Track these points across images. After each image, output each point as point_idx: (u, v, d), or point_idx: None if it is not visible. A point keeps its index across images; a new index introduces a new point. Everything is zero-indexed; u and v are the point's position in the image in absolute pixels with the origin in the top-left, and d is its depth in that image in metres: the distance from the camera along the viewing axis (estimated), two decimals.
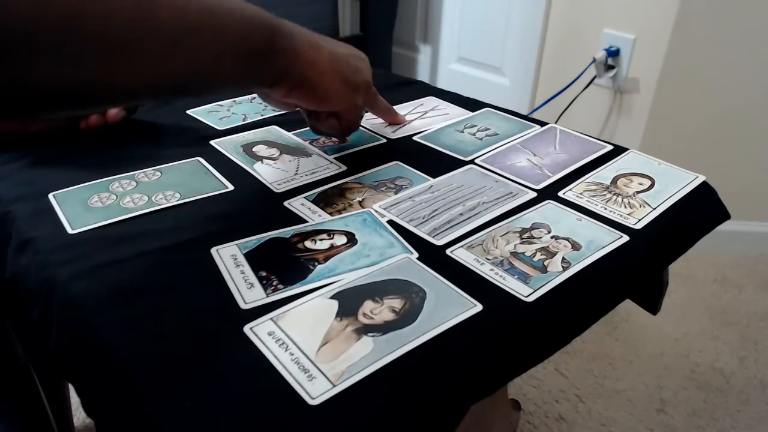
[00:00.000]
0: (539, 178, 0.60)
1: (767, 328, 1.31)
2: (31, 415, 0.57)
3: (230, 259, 0.47)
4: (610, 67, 1.41)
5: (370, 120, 0.75)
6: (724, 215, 0.59)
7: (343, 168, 0.62)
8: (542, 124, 0.72)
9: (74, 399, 0.90)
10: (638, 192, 0.58)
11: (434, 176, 0.60)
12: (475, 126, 0.73)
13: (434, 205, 0.55)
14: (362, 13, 1.77)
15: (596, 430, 1.06)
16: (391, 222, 0.53)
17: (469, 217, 0.53)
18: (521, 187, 0.59)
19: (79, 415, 1.01)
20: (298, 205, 0.55)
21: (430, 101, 0.81)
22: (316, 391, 0.35)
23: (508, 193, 0.57)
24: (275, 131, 0.71)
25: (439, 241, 0.50)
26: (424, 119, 0.75)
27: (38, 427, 0.58)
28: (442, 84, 1.83)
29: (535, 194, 0.57)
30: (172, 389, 0.36)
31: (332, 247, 0.48)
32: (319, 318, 0.41)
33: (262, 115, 0.76)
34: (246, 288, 0.43)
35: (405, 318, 0.41)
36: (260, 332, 0.39)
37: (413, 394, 0.36)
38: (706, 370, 1.19)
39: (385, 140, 0.70)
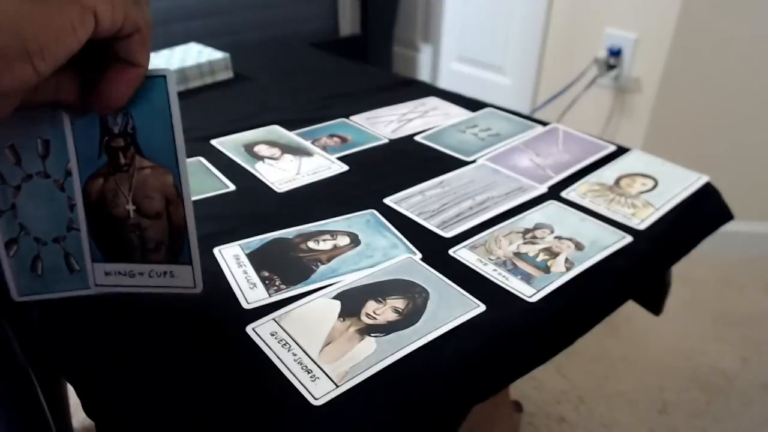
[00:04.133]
0: (542, 179, 0.60)
1: None
2: (29, 416, 0.57)
3: (233, 259, 0.47)
4: (612, 67, 1.40)
5: (370, 119, 0.75)
6: (727, 216, 0.58)
7: (345, 168, 0.62)
8: (544, 124, 0.72)
9: (74, 399, 0.90)
10: (641, 192, 0.57)
11: (437, 176, 0.60)
12: (477, 126, 0.73)
13: (444, 199, 0.55)
14: (362, 13, 1.77)
15: (598, 431, 1.06)
16: (400, 215, 0.53)
17: (477, 211, 0.53)
18: (531, 182, 0.59)
19: (78, 415, 1.01)
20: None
21: (431, 101, 0.81)
22: (319, 391, 0.35)
23: (518, 188, 0.57)
24: (277, 131, 0.71)
25: (448, 234, 0.50)
26: (424, 119, 0.75)
27: (37, 427, 0.58)
28: (443, 83, 1.83)
29: (545, 190, 0.57)
30: (173, 389, 0.36)
31: (335, 247, 0.48)
32: (322, 318, 0.40)
33: None
34: (249, 288, 0.43)
35: (408, 318, 0.40)
36: (263, 332, 0.39)
37: (416, 395, 0.36)
38: (709, 371, 1.19)
39: (386, 140, 0.69)
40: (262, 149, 0.66)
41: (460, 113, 0.77)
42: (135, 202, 0.36)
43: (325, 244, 0.49)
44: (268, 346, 0.38)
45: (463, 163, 0.63)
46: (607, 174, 0.61)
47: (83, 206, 0.36)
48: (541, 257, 0.48)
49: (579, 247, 0.49)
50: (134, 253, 0.37)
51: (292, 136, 0.70)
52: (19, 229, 0.36)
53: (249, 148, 0.66)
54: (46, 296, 0.38)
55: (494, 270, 0.46)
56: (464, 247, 0.49)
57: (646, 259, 0.50)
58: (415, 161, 0.64)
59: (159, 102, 0.34)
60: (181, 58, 0.89)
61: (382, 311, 0.41)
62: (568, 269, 0.46)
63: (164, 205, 0.36)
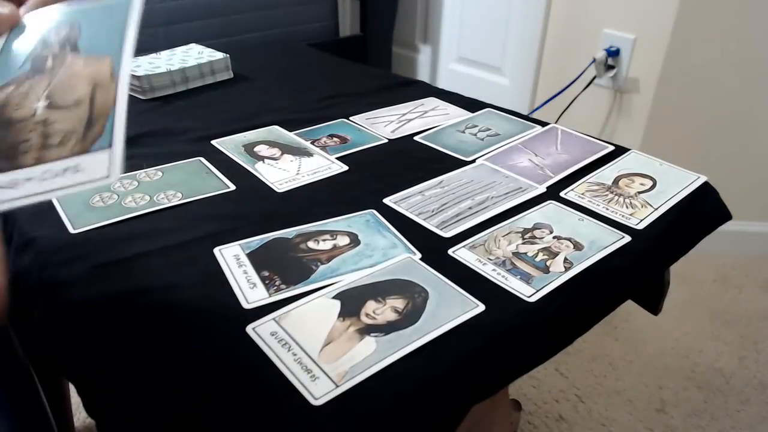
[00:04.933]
0: (541, 179, 0.60)
1: (767, 328, 1.31)
2: (30, 415, 0.57)
3: (233, 258, 0.47)
4: (610, 67, 1.41)
5: (369, 119, 0.75)
6: (725, 215, 0.59)
7: (345, 168, 0.62)
8: (543, 124, 0.72)
9: (74, 399, 0.90)
10: (640, 192, 0.58)
11: (437, 176, 0.61)
12: (477, 126, 0.73)
13: (443, 199, 0.55)
14: (362, 13, 1.77)
15: (596, 430, 1.06)
16: (400, 215, 0.53)
17: (477, 211, 0.54)
18: (530, 182, 0.59)
19: (79, 415, 1.01)
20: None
21: (431, 101, 0.81)
22: (319, 391, 0.35)
23: (517, 188, 0.58)
24: (276, 131, 0.71)
25: (447, 234, 0.50)
26: (424, 119, 0.75)
27: (38, 426, 0.58)
28: (442, 84, 1.83)
29: (544, 189, 0.58)
30: (173, 388, 0.36)
31: (335, 247, 0.48)
32: (322, 318, 0.41)
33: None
34: (249, 288, 0.43)
35: (407, 318, 0.41)
36: (263, 332, 0.39)
37: (415, 395, 0.36)
38: (706, 370, 1.19)
39: (386, 140, 0.70)
40: (262, 149, 0.66)
41: (459, 113, 0.77)
42: (50, 96, 0.33)
43: (324, 244, 0.49)
44: (268, 346, 0.38)
45: (462, 163, 0.63)
46: (606, 174, 0.61)
47: None
48: (540, 257, 0.48)
49: (578, 246, 0.49)
50: (26, 156, 0.32)
51: (292, 137, 0.70)
52: None
53: (249, 148, 0.66)
54: None
55: (493, 270, 0.46)
56: (463, 247, 0.49)
57: (645, 258, 0.51)
58: (414, 161, 0.64)
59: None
60: (181, 59, 0.89)
61: (382, 311, 0.41)
62: (567, 269, 0.46)
63: (90, 90, 0.34)
